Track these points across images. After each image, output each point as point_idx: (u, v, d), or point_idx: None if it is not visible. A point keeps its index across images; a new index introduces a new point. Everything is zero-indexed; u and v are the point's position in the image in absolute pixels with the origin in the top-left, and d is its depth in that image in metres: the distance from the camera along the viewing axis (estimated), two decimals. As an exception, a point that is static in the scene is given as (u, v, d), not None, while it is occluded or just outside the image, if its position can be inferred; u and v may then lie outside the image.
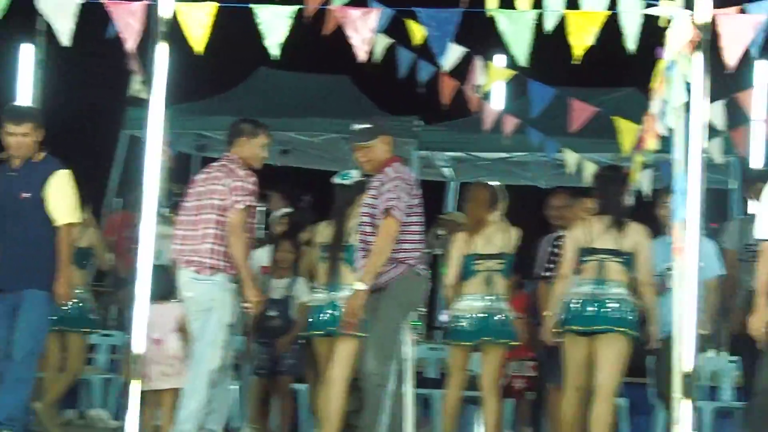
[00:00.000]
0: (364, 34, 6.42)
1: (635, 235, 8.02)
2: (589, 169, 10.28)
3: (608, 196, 8.13)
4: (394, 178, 7.34)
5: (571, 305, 7.96)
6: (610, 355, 7.88)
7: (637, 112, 9.39)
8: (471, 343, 8.57)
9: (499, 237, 8.63)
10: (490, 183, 9.16)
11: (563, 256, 8.14)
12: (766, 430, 6.95)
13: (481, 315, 8.54)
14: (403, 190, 7.28)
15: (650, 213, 8.69)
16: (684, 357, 6.08)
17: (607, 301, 7.90)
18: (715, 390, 10.76)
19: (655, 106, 6.59)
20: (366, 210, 7.46)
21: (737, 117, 9.55)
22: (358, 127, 7.59)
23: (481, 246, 8.61)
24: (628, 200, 8.68)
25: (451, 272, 8.68)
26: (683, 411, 6.03)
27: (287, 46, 6.49)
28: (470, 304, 8.58)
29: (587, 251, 8.00)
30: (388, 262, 7.28)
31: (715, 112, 8.82)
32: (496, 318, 8.53)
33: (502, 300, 8.61)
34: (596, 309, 7.90)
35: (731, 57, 5.98)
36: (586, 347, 7.95)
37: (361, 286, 7.21)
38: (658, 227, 8.55)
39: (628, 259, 7.98)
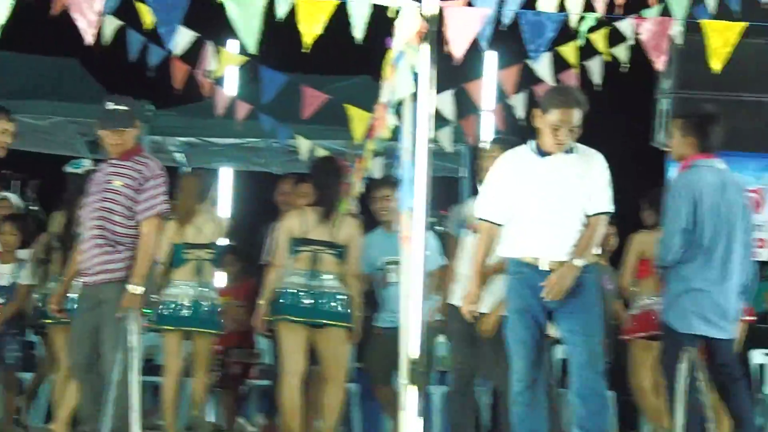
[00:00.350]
0: (90, 16, 6.23)
1: (348, 228, 8.20)
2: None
3: (323, 188, 8.26)
4: (158, 174, 7.15)
5: (286, 294, 8.07)
6: (331, 348, 8.15)
7: (370, 101, 9.47)
8: (181, 330, 8.52)
9: (209, 226, 8.66)
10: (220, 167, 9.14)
11: (276, 245, 8.22)
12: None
13: (190, 303, 8.52)
14: (165, 187, 7.16)
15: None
16: (410, 344, 6.15)
17: (324, 293, 8.08)
18: (446, 375, 10.99)
19: (385, 95, 6.64)
20: (111, 197, 7.16)
21: (467, 106, 9.75)
22: (114, 108, 7.26)
23: (192, 235, 8.59)
24: (360, 188, 8.77)
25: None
26: (410, 397, 6.10)
27: (12, 27, 6.24)
28: (179, 291, 8.54)
29: (301, 241, 8.10)
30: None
31: (445, 102, 8.98)
32: (204, 307, 8.54)
33: (212, 289, 8.67)
34: (314, 302, 8.06)
35: (458, 48, 6.09)
36: (303, 335, 8.11)
37: (139, 290, 7.00)
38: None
39: (341, 251, 8.14)
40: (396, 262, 8.59)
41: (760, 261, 11.69)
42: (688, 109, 9.32)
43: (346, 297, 8.16)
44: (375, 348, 8.78)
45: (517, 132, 10.10)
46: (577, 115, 6.42)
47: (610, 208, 6.53)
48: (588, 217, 6.49)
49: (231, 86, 10.65)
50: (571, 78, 8.94)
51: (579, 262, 6.42)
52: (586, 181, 6.46)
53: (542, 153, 6.50)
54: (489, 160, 7.78)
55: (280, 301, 8.12)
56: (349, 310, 8.15)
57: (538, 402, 6.47)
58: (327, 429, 8.22)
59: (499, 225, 6.55)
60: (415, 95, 6.18)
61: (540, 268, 6.40)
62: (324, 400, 8.23)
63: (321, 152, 10.33)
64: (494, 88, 10.51)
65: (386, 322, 8.60)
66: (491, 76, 10.76)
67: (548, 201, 6.43)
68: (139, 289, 7.00)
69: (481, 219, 6.62)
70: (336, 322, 8.12)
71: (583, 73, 9.00)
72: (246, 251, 9.96)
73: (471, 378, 7.84)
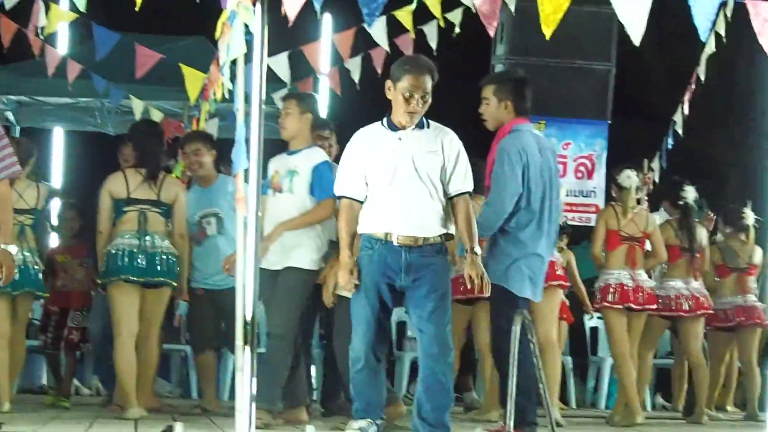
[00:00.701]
0: None
1: (172, 187, 8.32)
2: (156, 117, 10.23)
3: (144, 149, 8.30)
4: (2, 135, 6.96)
5: (118, 256, 8.11)
6: (156, 307, 8.30)
7: (206, 62, 9.40)
8: (4, 293, 8.39)
9: (30, 192, 8.57)
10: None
11: (101, 207, 8.23)
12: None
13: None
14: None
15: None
16: (245, 306, 6.15)
17: (155, 253, 8.15)
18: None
19: (220, 55, 6.58)
20: None
21: (303, 69, 9.75)
22: None
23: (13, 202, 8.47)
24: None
25: None
26: (245, 357, 6.10)
27: None
28: None
29: (126, 202, 8.16)
30: None
31: (280, 64, 8.96)
32: (27, 270, 8.44)
33: (33, 253, 8.55)
34: (146, 261, 8.12)
35: (291, 10, 6.06)
36: (136, 295, 8.18)
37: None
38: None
39: (166, 210, 8.26)
40: (213, 215, 8.65)
41: (580, 226, 12.02)
42: (498, 74, 9.42)
43: (174, 256, 8.25)
44: (198, 310, 8.78)
45: (353, 95, 10.19)
46: (428, 82, 6.36)
47: (469, 187, 6.48)
48: (450, 198, 6.45)
49: (62, 45, 10.47)
50: (407, 42, 9.01)
51: (478, 249, 6.41)
52: (439, 158, 6.42)
53: (394, 127, 6.43)
54: (285, 116, 7.79)
55: (113, 262, 8.10)
56: (177, 269, 8.26)
57: (377, 373, 6.45)
58: (139, 388, 8.19)
59: (358, 201, 6.45)
60: (249, 56, 6.14)
61: (394, 244, 6.33)
62: (141, 357, 8.27)
63: (156, 113, 10.24)
64: (330, 52, 10.53)
65: (208, 284, 8.68)
66: (327, 40, 10.78)
67: (399, 176, 6.36)
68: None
69: (340, 196, 6.55)
70: (168, 281, 8.23)
71: (420, 38, 9.08)
72: (85, 210, 9.83)
73: (285, 342, 7.77)
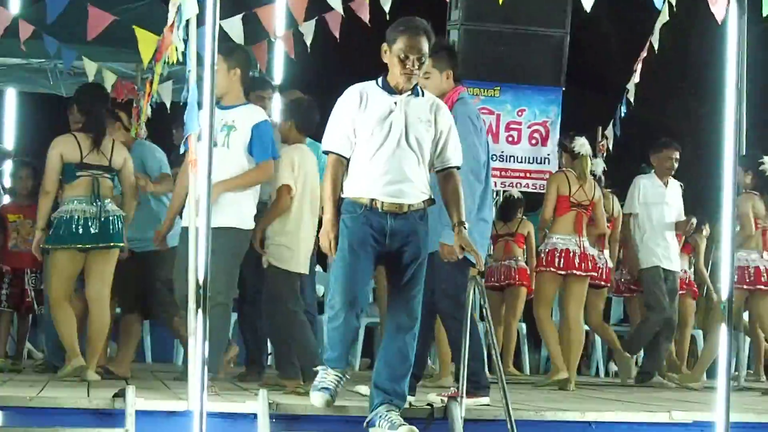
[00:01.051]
0: None
1: (121, 151, 8.33)
2: (110, 79, 10.15)
3: (90, 113, 8.31)
4: None
5: (71, 221, 8.08)
6: (107, 269, 8.23)
7: (160, 23, 9.31)
8: None
9: None
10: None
11: (49, 167, 8.21)
12: None
13: None
14: None
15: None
16: (198, 268, 6.14)
17: (107, 219, 8.15)
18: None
19: (169, 16, 6.54)
20: None
21: (258, 32, 9.67)
22: None
23: None
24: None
25: None
26: (197, 322, 6.10)
27: None
28: None
29: (80, 166, 8.12)
30: None
31: (234, 27, 8.89)
32: None
33: None
34: (98, 227, 8.11)
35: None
36: (80, 260, 8.18)
37: None
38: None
39: (115, 175, 8.30)
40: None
41: (534, 192, 12.08)
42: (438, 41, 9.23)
43: (122, 218, 8.26)
44: (126, 272, 8.70)
45: (307, 58, 10.14)
46: (424, 44, 6.27)
47: (458, 161, 6.46)
48: (438, 171, 6.42)
49: (14, 5, 10.36)
50: (362, 6, 8.97)
51: (467, 225, 6.38)
52: (432, 129, 6.35)
53: (390, 90, 6.33)
54: (219, 73, 7.52)
55: (66, 228, 8.07)
56: (123, 232, 8.27)
57: (354, 328, 6.41)
58: (92, 351, 8.19)
59: (345, 158, 6.35)
60: (202, 19, 6.11)
61: (379, 210, 6.25)
62: (94, 320, 8.25)
63: (109, 75, 10.15)
64: (284, 15, 10.47)
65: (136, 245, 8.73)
66: (281, 2, 10.71)
67: (389, 142, 6.27)
68: None
69: (327, 151, 6.45)
70: (117, 244, 8.22)
71: (374, 1, 9.03)
72: (39, 170, 9.77)
73: (227, 308, 7.75)
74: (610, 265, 10.25)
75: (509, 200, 11.86)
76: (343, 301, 6.25)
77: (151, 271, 8.69)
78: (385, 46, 6.32)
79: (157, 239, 7.96)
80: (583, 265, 9.39)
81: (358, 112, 6.31)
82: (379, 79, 6.37)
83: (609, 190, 10.54)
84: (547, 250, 9.46)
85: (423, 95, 6.41)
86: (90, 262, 8.17)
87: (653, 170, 10.57)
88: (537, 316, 9.63)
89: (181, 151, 7.66)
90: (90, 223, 8.05)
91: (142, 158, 8.89)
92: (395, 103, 6.30)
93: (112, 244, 8.17)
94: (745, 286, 9.91)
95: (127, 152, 8.44)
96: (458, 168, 6.47)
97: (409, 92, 6.33)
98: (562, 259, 9.34)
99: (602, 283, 10.07)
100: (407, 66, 6.26)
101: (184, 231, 7.14)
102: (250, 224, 7.66)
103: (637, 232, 10.44)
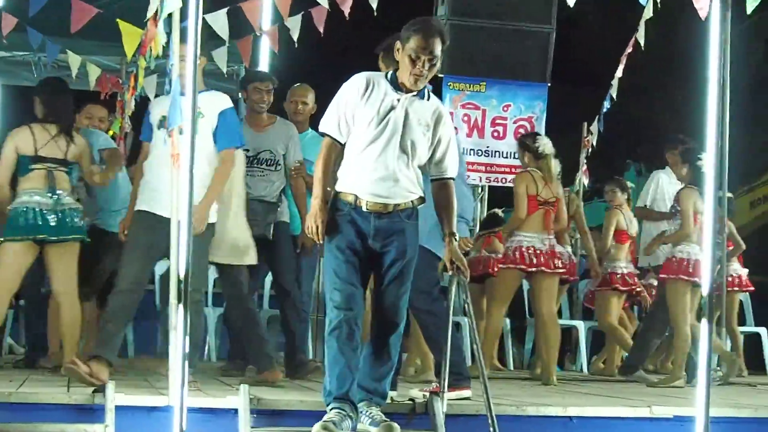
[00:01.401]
0: None
1: (79, 143, 8.24)
2: (94, 72, 10.12)
3: (52, 105, 8.23)
4: None
5: (27, 213, 7.97)
6: (71, 260, 8.07)
7: (144, 16, 9.28)
8: None
9: None
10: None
11: (3, 159, 8.12)
12: None
13: None
14: None
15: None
16: (180, 265, 6.13)
17: (65, 211, 8.03)
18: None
19: (150, 8, 6.52)
20: None
21: (243, 27, 9.65)
22: None
23: None
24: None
25: None
26: (178, 316, 6.09)
27: None
28: None
29: (34, 159, 8.06)
30: None
31: (219, 21, 8.86)
32: None
33: None
34: (57, 219, 8.01)
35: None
36: (33, 254, 8.05)
37: None
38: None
39: (72, 168, 8.19)
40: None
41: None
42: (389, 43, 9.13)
43: (80, 210, 8.18)
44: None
45: (292, 54, 10.13)
46: (437, 46, 6.17)
47: (454, 172, 6.41)
48: (434, 180, 6.37)
49: (-3, -3, 10.28)
50: (347, 1, 8.95)
51: (456, 233, 6.34)
52: (429, 135, 6.29)
53: (397, 87, 6.25)
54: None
55: (23, 220, 7.96)
56: (83, 224, 8.20)
57: (354, 336, 6.31)
58: (68, 346, 8.10)
59: (339, 143, 6.28)
60: (186, 12, 6.09)
61: (363, 209, 6.19)
62: (65, 315, 8.14)
63: (93, 68, 10.12)
64: (270, 10, 10.45)
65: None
66: (268, -3, 10.69)
67: (382, 139, 6.20)
68: None
69: (323, 133, 6.36)
70: (79, 236, 8.10)
71: (362, -1, 9.01)
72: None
73: (200, 303, 7.72)
74: (575, 260, 10.36)
75: (494, 217, 11.84)
76: (341, 299, 6.15)
77: (106, 251, 8.62)
78: (398, 44, 6.22)
79: (122, 232, 7.83)
80: (551, 262, 9.47)
81: (361, 99, 6.23)
82: (389, 73, 6.31)
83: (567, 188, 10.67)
84: (513, 247, 9.52)
85: (428, 99, 6.33)
86: (50, 257, 8.04)
87: (667, 167, 10.74)
88: (489, 311, 9.74)
89: (141, 138, 7.71)
90: (48, 216, 7.96)
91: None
92: (398, 100, 6.22)
93: (71, 236, 8.05)
94: (688, 278, 9.83)
95: (86, 146, 8.30)
96: (453, 179, 6.42)
97: (415, 93, 6.26)
98: (532, 257, 9.42)
99: (569, 278, 10.14)
100: (417, 66, 6.17)
101: (138, 214, 7.40)
102: (214, 218, 7.63)
103: (651, 225, 10.56)
